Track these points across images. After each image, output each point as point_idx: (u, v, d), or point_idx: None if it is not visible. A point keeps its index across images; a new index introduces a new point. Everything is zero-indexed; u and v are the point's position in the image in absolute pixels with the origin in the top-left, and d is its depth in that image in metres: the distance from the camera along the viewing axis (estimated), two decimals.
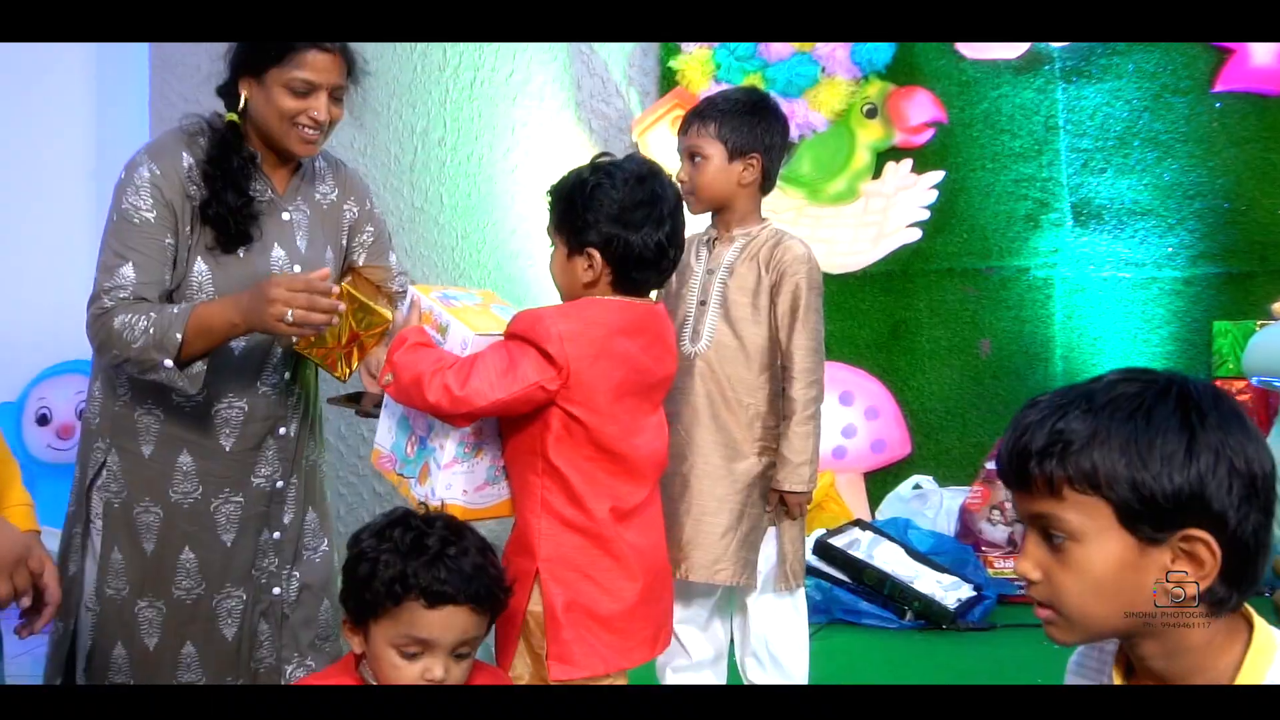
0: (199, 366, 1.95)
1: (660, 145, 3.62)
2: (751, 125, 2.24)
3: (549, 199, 1.89)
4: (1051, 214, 3.62)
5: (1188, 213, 3.58)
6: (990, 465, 3.36)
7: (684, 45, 3.67)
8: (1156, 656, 1.08)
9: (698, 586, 2.27)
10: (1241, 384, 3.33)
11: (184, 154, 2.03)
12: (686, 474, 2.23)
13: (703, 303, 2.26)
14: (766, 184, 2.31)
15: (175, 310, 1.94)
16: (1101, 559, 1.04)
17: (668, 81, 3.73)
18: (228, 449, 2.10)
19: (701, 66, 3.64)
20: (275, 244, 2.11)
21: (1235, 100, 3.56)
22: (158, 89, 3.95)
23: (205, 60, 3.85)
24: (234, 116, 2.07)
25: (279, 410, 2.15)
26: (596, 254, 1.81)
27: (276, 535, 2.17)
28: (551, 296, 3.67)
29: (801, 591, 2.36)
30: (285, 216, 2.13)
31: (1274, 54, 3.53)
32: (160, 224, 1.98)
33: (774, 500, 2.25)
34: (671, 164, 3.43)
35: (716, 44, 3.62)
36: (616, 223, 1.79)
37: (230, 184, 2.03)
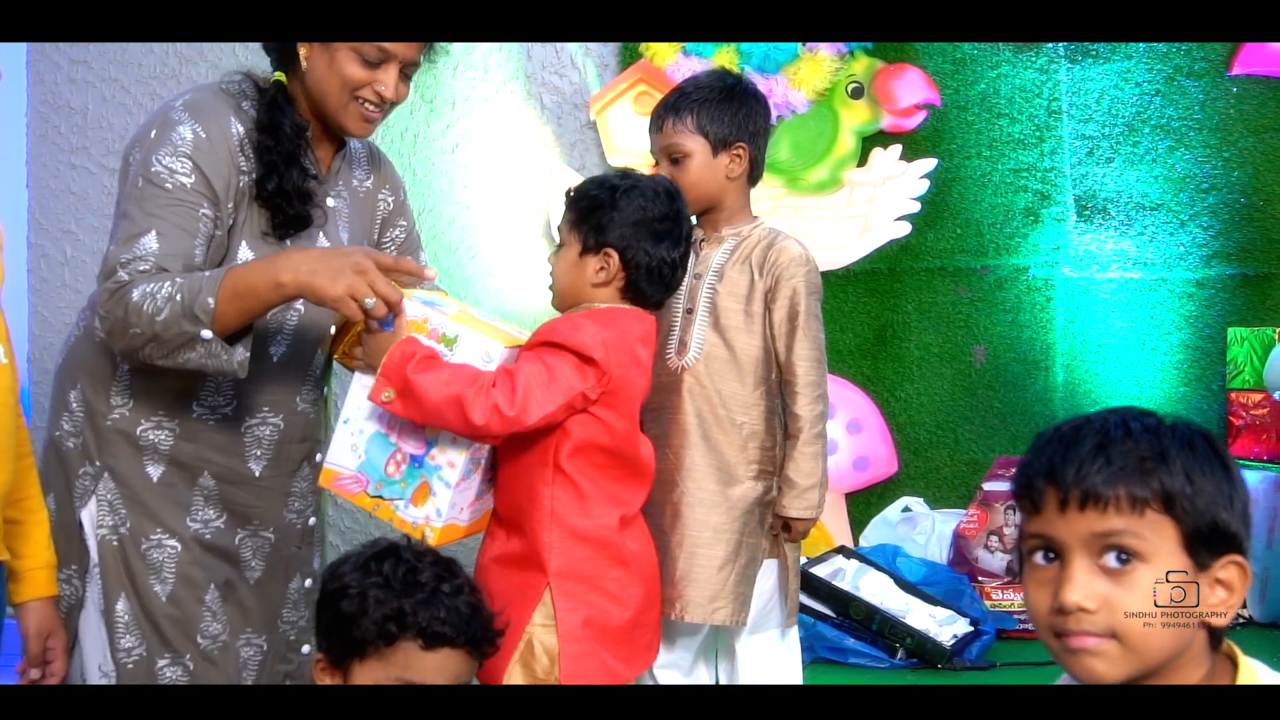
0: (242, 352, 1.79)
1: (620, 125, 3.55)
2: (732, 112, 2.24)
3: (567, 197, 2.03)
4: (1053, 208, 3.59)
5: (1201, 208, 3.55)
6: (988, 486, 3.31)
7: None
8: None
9: (683, 627, 2.24)
10: (1259, 397, 3.33)
11: (233, 120, 1.88)
12: (678, 502, 2.20)
13: (689, 310, 2.25)
14: (754, 175, 2.31)
15: (206, 274, 1.75)
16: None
17: (630, 52, 3.63)
18: (257, 474, 1.97)
19: None
20: (320, 234, 1.98)
21: (1255, 84, 3.53)
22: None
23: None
24: (281, 76, 1.93)
25: (314, 432, 2.03)
26: (615, 255, 1.96)
27: (309, 583, 2.04)
28: (491, 297, 3.53)
29: (794, 631, 2.34)
30: (330, 202, 2.02)
31: None
32: (197, 192, 1.83)
33: (778, 527, 2.24)
34: (633, 146, 3.44)
35: None
36: (642, 228, 1.97)
37: (290, 159, 1.89)
